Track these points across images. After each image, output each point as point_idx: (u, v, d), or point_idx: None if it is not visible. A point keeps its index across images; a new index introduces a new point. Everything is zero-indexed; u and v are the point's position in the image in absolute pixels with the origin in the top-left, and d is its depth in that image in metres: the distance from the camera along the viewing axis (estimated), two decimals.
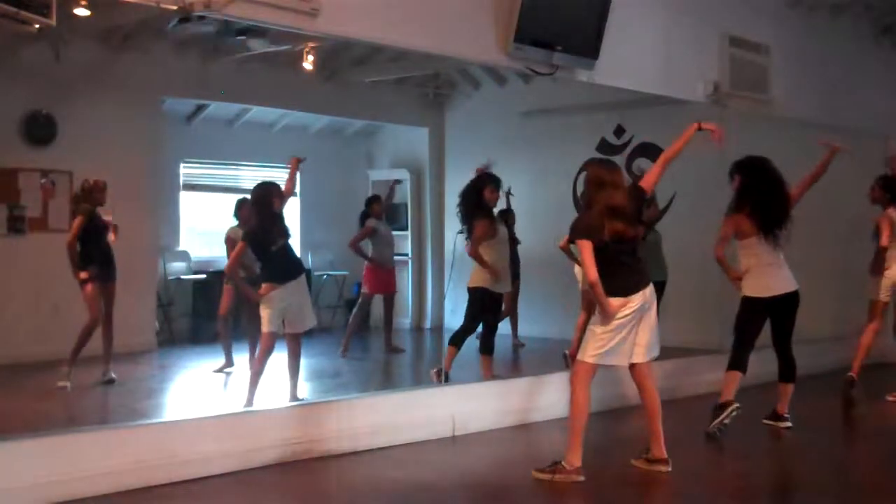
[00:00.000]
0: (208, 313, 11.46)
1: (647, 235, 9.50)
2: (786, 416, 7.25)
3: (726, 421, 6.87)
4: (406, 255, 12.53)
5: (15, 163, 9.39)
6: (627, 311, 5.71)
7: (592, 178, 5.82)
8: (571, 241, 5.84)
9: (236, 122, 12.11)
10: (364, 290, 10.49)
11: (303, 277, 7.18)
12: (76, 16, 6.51)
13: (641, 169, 11.10)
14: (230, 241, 9.00)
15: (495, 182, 7.88)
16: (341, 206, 12.25)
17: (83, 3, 6.44)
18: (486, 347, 8.02)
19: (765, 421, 7.31)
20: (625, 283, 5.73)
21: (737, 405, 6.90)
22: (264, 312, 6.92)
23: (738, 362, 7.11)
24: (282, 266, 7.02)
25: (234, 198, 12.45)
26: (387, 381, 9.24)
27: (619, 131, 11.33)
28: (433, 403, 7.15)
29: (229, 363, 9.01)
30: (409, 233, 12.78)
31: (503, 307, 8.48)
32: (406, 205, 13.00)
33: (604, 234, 5.65)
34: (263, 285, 6.99)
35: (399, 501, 5.60)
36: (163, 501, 5.41)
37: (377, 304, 10.75)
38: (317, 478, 5.99)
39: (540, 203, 11.82)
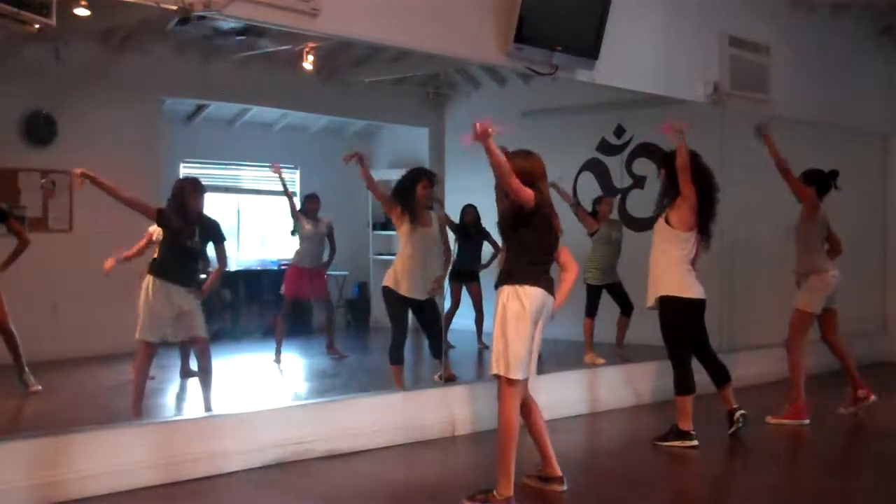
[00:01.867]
0: (208, 313, 11.47)
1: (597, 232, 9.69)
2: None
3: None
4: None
5: (15, 163, 9.39)
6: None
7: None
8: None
9: (236, 122, 12.11)
10: (282, 291, 10.14)
11: (193, 288, 6.77)
12: (76, 16, 6.51)
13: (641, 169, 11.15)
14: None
15: (430, 177, 7.49)
16: (341, 206, 12.24)
17: (83, 3, 6.44)
18: (394, 357, 7.49)
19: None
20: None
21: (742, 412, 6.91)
22: (199, 316, 6.67)
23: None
24: (183, 264, 6.68)
25: (234, 198, 12.52)
26: (387, 381, 9.21)
27: (619, 131, 11.33)
28: (433, 403, 7.15)
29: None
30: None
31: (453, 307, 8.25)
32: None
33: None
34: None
35: (399, 501, 5.60)
36: (163, 501, 5.41)
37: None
38: (317, 478, 5.99)
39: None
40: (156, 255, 6.80)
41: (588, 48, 7.62)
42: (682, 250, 6.90)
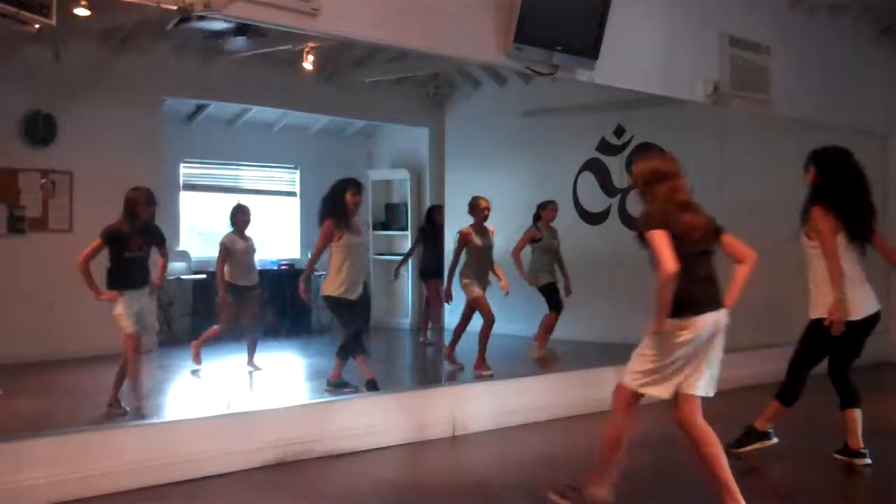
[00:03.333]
0: (209, 313, 11.47)
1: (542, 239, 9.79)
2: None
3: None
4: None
5: (15, 163, 9.39)
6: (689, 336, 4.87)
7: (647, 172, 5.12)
8: (642, 234, 4.97)
9: (236, 122, 12.11)
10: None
11: (145, 289, 6.96)
12: (76, 16, 6.51)
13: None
14: (223, 247, 8.80)
15: (357, 186, 7.71)
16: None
17: (83, 3, 6.44)
18: (353, 350, 7.66)
19: None
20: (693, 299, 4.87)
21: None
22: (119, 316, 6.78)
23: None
24: (131, 274, 6.83)
25: (234, 198, 12.51)
26: (387, 381, 9.22)
27: (619, 131, 11.33)
28: (433, 403, 7.16)
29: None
30: (408, 233, 12.77)
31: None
32: (406, 205, 13.01)
33: (678, 226, 4.89)
34: (109, 291, 6.80)
35: (398, 501, 5.61)
36: (163, 501, 5.41)
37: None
38: (317, 478, 5.99)
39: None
40: (109, 267, 6.88)
41: (588, 48, 7.61)
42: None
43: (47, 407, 7.37)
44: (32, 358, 8.49)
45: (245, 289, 8.83)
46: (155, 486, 5.54)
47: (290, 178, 12.96)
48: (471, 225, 8.94)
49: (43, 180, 9.54)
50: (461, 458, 6.70)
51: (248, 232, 9.05)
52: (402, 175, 13.14)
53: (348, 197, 7.55)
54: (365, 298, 7.93)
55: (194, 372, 8.90)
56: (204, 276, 11.13)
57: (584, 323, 10.98)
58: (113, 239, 6.76)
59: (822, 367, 6.59)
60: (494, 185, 12.11)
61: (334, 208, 7.55)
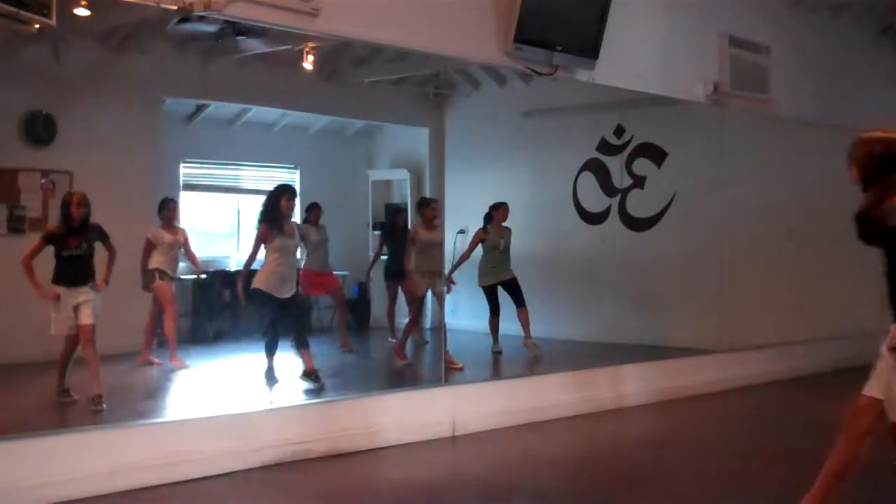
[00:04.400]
0: (208, 313, 11.47)
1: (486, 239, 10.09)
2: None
3: None
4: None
5: (15, 163, 9.38)
6: None
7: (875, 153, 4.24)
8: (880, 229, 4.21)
9: (236, 122, 12.10)
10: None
11: (89, 286, 7.27)
12: (76, 16, 6.51)
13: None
14: (147, 241, 9.15)
15: (292, 192, 8.37)
16: (341, 206, 12.25)
17: (83, 3, 6.44)
18: (271, 349, 8.25)
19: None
20: None
21: None
22: (54, 312, 7.19)
23: None
24: (68, 271, 7.20)
25: (234, 198, 12.52)
26: (387, 381, 9.22)
27: (619, 131, 11.32)
28: (433, 403, 7.16)
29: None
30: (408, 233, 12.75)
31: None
32: (406, 205, 13.00)
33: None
34: (52, 287, 7.18)
35: (399, 502, 5.60)
36: (163, 501, 5.41)
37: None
38: (317, 478, 5.99)
39: (540, 203, 11.83)
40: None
41: (588, 48, 7.62)
42: None
43: (47, 407, 7.37)
44: (33, 358, 8.47)
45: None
46: (155, 485, 5.54)
47: (289, 179, 12.94)
48: (422, 223, 9.63)
49: (43, 180, 9.53)
50: (461, 458, 6.70)
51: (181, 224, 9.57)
52: (402, 175, 13.13)
53: (283, 203, 8.18)
54: (300, 297, 8.51)
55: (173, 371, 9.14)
56: (204, 275, 11.13)
57: (584, 323, 10.99)
58: (51, 240, 7.21)
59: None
60: (494, 185, 12.11)
61: (269, 214, 8.17)
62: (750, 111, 9.43)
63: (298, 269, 8.73)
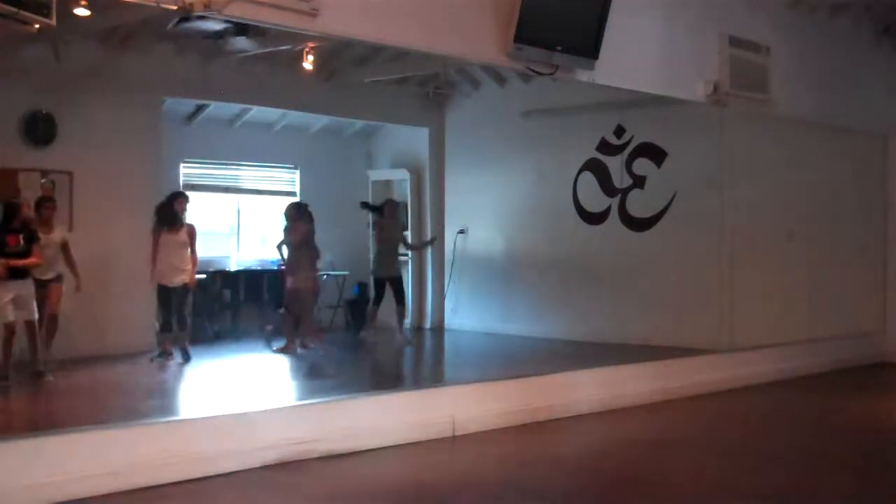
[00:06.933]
0: (208, 313, 11.48)
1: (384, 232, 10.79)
2: None
3: None
4: (406, 254, 12.53)
5: (15, 163, 9.38)
6: None
7: None
8: None
9: (236, 122, 12.11)
10: None
11: (29, 280, 8.03)
12: (76, 16, 6.51)
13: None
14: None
15: (184, 196, 9.68)
16: (341, 206, 12.26)
17: (83, 3, 6.44)
18: (167, 328, 9.42)
19: None
20: None
21: None
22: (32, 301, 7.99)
23: None
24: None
25: (234, 198, 12.52)
26: (387, 381, 9.24)
27: (620, 131, 11.33)
28: (433, 403, 7.16)
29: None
30: (409, 232, 12.78)
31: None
32: (406, 204, 13.01)
33: None
34: None
35: (399, 501, 5.60)
36: (163, 501, 5.41)
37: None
38: (317, 478, 5.99)
39: (540, 203, 11.83)
40: None
41: (588, 48, 7.61)
42: None
43: (48, 406, 7.38)
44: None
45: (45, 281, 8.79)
46: (156, 485, 5.54)
47: (289, 178, 12.95)
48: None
49: (43, 180, 9.53)
50: (461, 458, 6.69)
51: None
52: (402, 175, 13.14)
53: (176, 204, 9.42)
54: (185, 286, 9.46)
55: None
56: (204, 275, 11.14)
57: (584, 323, 10.99)
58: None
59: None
60: (494, 185, 12.13)
61: (159, 214, 9.38)
62: (750, 111, 9.43)
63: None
